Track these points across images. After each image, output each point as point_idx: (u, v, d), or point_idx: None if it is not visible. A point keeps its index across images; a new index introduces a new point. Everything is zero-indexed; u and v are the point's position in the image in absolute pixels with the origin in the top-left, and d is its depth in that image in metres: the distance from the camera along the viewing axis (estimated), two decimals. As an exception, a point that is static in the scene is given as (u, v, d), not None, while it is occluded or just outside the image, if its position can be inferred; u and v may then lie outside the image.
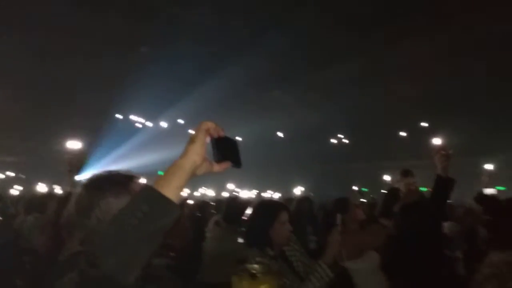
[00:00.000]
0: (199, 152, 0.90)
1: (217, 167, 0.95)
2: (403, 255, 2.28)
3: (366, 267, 2.43)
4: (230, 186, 18.95)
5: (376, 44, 12.89)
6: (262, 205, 2.27)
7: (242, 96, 15.62)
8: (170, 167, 0.90)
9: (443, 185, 2.40)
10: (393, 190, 3.45)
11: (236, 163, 0.98)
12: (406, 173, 3.76)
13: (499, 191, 12.68)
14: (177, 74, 13.99)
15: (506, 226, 1.58)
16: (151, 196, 0.85)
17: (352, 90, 15.18)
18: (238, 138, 19.05)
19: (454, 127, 13.56)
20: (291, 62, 14.31)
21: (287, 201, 4.74)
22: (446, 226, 4.65)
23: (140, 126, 19.19)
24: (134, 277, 0.83)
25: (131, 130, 17.94)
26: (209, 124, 0.93)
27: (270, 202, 2.80)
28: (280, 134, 20.52)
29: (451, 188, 2.45)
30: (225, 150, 0.96)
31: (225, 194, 15.19)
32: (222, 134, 0.95)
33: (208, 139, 0.93)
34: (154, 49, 14.36)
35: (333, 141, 20.85)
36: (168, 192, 0.85)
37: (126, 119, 18.63)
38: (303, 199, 4.61)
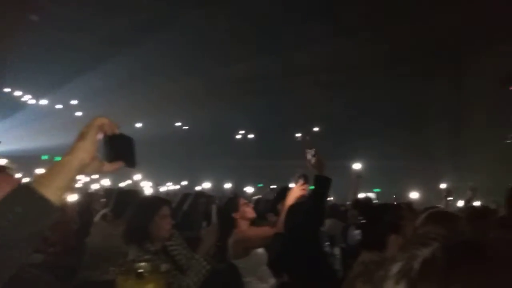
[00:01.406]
0: (88, 149, 0.82)
1: (107, 167, 0.89)
2: (287, 252, 2.42)
3: (252, 265, 2.54)
4: (137, 177, 18.08)
5: (283, 46, 13.41)
6: (141, 200, 2.26)
7: (145, 83, 15.03)
8: (55, 164, 0.81)
9: (321, 184, 2.56)
10: (284, 189, 3.61)
11: (130, 163, 0.93)
12: (302, 177, 3.97)
13: (375, 192, 14.30)
14: (72, 51, 12.89)
15: (374, 230, 1.80)
16: (27, 196, 0.76)
17: (258, 87, 15.63)
18: (138, 125, 18.13)
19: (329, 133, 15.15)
20: (198, 54, 14.16)
21: (184, 196, 4.71)
22: (328, 223, 5.10)
23: (27, 101, 17.21)
24: (2, 284, 0.75)
25: (14, 106, 16.04)
26: (103, 120, 0.86)
27: (150, 197, 2.78)
28: (184, 126, 20.23)
29: (328, 187, 2.61)
30: (118, 149, 0.90)
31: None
32: (116, 131, 0.88)
33: (100, 136, 0.86)
34: (45, 18, 12.98)
35: (238, 137, 21.27)
36: (49, 192, 0.77)
37: (10, 93, 16.58)
38: (199, 194, 4.61)
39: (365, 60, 13.96)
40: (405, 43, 13.42)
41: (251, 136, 20.98)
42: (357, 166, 13.34)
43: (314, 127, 18.32)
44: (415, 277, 0.53)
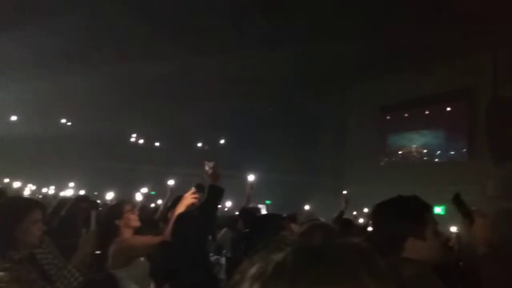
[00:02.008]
0: None
1: None
2: (171, 261, 2.37)
3: (134, 274, 2.42)
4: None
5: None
6: (8, 203, 2.01)
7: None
8: None
9: (213, 194, 2.58)
10: (178, 198, 3.56)
11: None
12: (197, 187, 3.95)
13: (266, 204, 14.87)
14: None
15: (257, 239, 1.87)
16: None
17: (160, 92, 15.10)
18: (13, 118, 15.95)
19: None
20: (92, 47, 13.09)
21: (63, 201, 4.33)
22: (221, 233, 5.14)
23: None
24: None
25: None
26: None
27: (20, 199, 2.49)
28: (69, 123, 18.59)
29: (220, 197, 2.66)
30: None
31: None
32: None
33: None
34: None
35: (132, 140, 20.18)
36: None
37: None
38: (80, 198, 4.28)
39: (270, 76, 14.57)
40: (302, 67, 14.35)
41: (145, 141, 20.20)
42: (251, 177, 13.69)
43: (218, 137, 18.36)
44: (266, 280, 0.56)
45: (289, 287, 0.54)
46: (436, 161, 13.97)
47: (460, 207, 1.45)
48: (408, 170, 13.70)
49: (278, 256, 0.58)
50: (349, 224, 4.73)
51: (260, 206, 9.86)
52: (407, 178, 12.03)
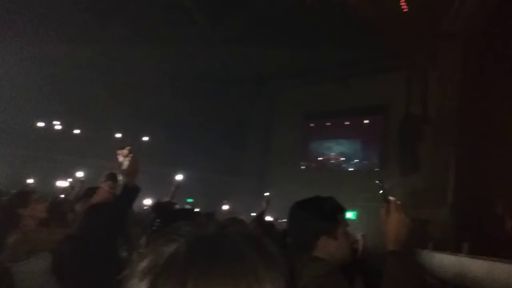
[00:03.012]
0: None
1: None
2: (75, 256, 2.25)
3: (34, 269, 2.26)
4: None
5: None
6: None
7: None
8: None
9: (128, 194, 2.49)
10: (89, 190, 3.38)
11: None
12: (110, 177, 3.78)
13: (189, 202, 14.66)
14: None
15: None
16: None
17: (78, 75, 14.11)
18: None
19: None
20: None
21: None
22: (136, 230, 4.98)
23: None
24: None
25: None
26: None
27: None
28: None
29: (136, 195, 2.57)
30: None
31: None
32: None
33: None
34: None
35: (41, 124, 18.41)
36: None
37: None
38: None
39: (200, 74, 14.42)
40: (236, 68, 14.47)
41: (63, 127, 18.69)
42: (179, 177, 13.40)
43: (142, 131, 17.61)
44: (157, 273, 0.53)
45: (180, 278, 0.52)
46: (351, 169, 14.92)
47: (385, 193, 1.53)
48: (326, 175, 14.46)
49: (170, 248, 0.55)
50: (270, 226, 4.85)
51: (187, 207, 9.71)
52: (325, 183, 12.67)
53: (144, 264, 0.55)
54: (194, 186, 14.26)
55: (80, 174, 4.59)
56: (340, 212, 1.57)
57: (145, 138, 16.66)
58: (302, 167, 15.90)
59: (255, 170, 16.58)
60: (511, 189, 8.53)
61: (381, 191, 1.52)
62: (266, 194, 6.84)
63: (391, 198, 1.50)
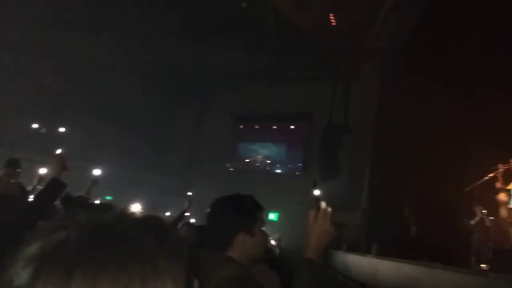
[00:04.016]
0: None
1: None
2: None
3: None
4: None
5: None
6: None
7: None
8: None
9: (54, 187, 2.46)
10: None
11: None
12: (10, 164, 3.48)
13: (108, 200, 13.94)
14: None
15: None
16: None
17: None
18: None
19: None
20: None
21: None
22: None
23: None
24: None
25: None
26: None
27: None
28: None
29: (61, 191, 2.54)
30: None
31: None
32: None
33: None
34: None
35: None
36: None
37: None
38: None
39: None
40: (167, 66, 14.17)
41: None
42: (96, 172, 12.52)
43: (59, 122, 16.30)
44: (41, 261, 0.48)
45: (67, 268, 0.47)
46: (276, 172, 15.33)
47: (318, 197, 1.59)
48: (252, 177, 14.68)
49: (61, 235, 0.50)
50: (189, 225, 4.81)
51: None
52: (250, 185, 12.84)
53: (30, 250, 0.50)
54: (114, 183, 13.63)
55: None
56: (258, 210, 1.61)
57: (62, 129, 15.53)
58: (229, 169, 15.99)
59: (179, 169, 16.31)
60: (415, 196, 9.37)
61: (315, 195, 1.58)
62: (189, 193, 6.78)
63: (323, 204, 1.56)
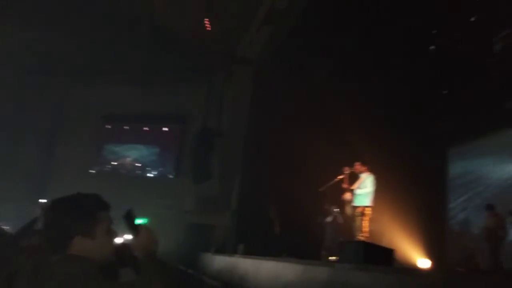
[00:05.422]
0: None
1: None
2: None
3: None
4: None
5: None
6: None
7: None
8: None
9: None
10: None
11: None
12: None
13: None
14: None
15: None
16: None
17: None
18: None
19: None
20: None
21: None
22: None
23: None
24: None
25: None
26: None
27: None
28: None
29: None
30: None
31: None
32: None
33: None
34: None
35: None
36: None
37: None
38: None
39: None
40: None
41: None
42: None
43: None
44: None
45: None
46: (147, 176, 14.78)
47: (129, 222, 1.58)
48: (120, 181, 13.88)
49: None
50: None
51: None
52: (118, 189, 12.13)
53: None
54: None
55: None
56: (101, 209, 1.50)
57: None
58: (92, 171, 14.81)
59: (32, 173, 14.45)
60: (281, 197, 10.04)
61: (128, 220, 1.58)
62: (42, 201, 6.10)
63: (140, 224, 1.60)
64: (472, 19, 8.37)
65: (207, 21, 10.55)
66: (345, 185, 7.14)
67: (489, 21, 8.29)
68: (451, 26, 8.58)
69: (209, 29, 10.73)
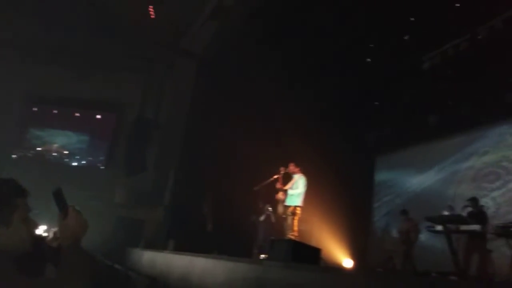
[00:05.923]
0: None
1: None
2: None
3: None
4: None
5: None
6: None
7: None
8: None
9: None
10: None
11: None
12: None
13: None
14: None
15: None
16: None
17: None
18: None
19: None
20: None
21: None
22: None
23: None
24: None
25: None
26: None
27: None
28: None
29: None
30: None
31: None
32: None
33: None
34: None
35: None
36: None
37: None
38: None
39: None
40: None
41: None
42: None
43: None
44: None
45: None
46: (75, 164, 13.96)
47: (58, 200, 1.47)
48: (45, 168, 12.94)
49: None
50: None
51: None
52: (41, 176, 11.33)
53: None
54: None
55: None
56: (19, 196, 1.40)
57: None
58: (13, 156, 13.67)
59: None
60: (215, 194, 10.03)
61: (57, 199, 1.49)
62: None
63: (67, 205, 1.51)
64: (406, 37, 8.98)
65: (151, 8, 10.23)
66: (279, 185, 7.31)
67: (420, 40, 8.96)
68: (385, 42, 9.14)
69: (153, 17, 10.41)
